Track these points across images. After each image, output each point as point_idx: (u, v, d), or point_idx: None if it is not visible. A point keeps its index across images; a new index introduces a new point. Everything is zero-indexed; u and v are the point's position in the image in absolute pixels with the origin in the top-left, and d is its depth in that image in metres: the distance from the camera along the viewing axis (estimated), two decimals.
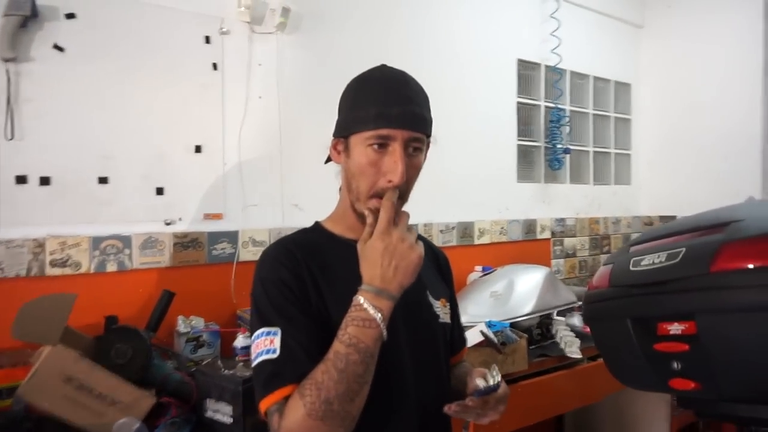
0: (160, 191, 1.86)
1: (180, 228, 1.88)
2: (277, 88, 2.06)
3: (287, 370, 0.86)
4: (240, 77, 2.01)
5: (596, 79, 3.29)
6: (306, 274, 0.96)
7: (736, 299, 0.82)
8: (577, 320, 2.30)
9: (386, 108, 0.93)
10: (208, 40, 1.94)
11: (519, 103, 2.88)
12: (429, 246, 1.23)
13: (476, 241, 2.68)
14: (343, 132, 0.99)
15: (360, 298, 0.87)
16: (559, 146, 2.97)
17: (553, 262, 3.02)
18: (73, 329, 1.43)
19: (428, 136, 1.01)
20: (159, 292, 1.69)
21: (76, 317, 1.42)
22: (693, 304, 0.87)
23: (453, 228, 2.59)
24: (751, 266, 0.82)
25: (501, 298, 2.09)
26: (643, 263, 0.97)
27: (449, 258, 1.26)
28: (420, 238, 1.25)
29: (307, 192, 2.10)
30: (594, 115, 3.28)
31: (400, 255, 0.89)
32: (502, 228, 2.80)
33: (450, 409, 0.93)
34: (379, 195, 0.95)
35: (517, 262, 2.56)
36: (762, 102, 3.05)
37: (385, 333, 0.86)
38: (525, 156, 2.94)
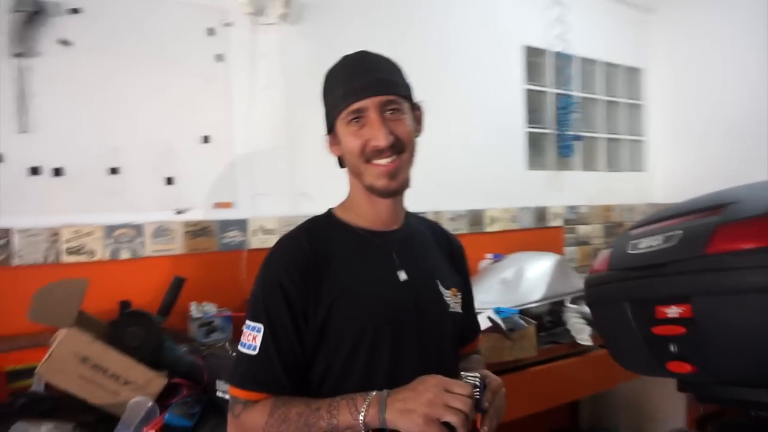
0: (170, 181, 1.90)
1: (190, 217, 1.92)
2: (283, 78, 2.08)
3: (261, 376, 0.94)
4: (245, 68, 2.03)
5: (606, 64, 3.24)
6: (312, 268, 0.97)
7: (730, 281, 0.82)
8: None
9: (350, 84, 0.97)
10: (211, 32, 1.97)
11: (527, 90, 2.86)
12: (444, 234, 1.21)
13: (486, 229, 2.68)
14: (329, 125, 1.03)
15: (371, 397, 0.88)
16: (569, 133, 2.94)
17: (567, 249, 3.00)
18: (87, 314, 1.48)
19: (406, 98, 1.01)
20: (171, 279, 1.74)
21: (92, 303, 1.47)
22: (689, 286, 0.86)
23: (463, 216, 2.59)
24: (745, 247, 0.81)
25: (510, 285, 2.10)
26: (640, 246, 0.97)
27: None
28: (437, 226, 1.23)
29: (316, 180, 2.12)
30: (604, 101, 3.24)
31: (424, 406, 0.83)
32: (513, 216, 2.79)
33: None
34: (371, 156, 0.97)
35: (528, 250, 2.55)
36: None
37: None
38: (535, 143, 2.93)
